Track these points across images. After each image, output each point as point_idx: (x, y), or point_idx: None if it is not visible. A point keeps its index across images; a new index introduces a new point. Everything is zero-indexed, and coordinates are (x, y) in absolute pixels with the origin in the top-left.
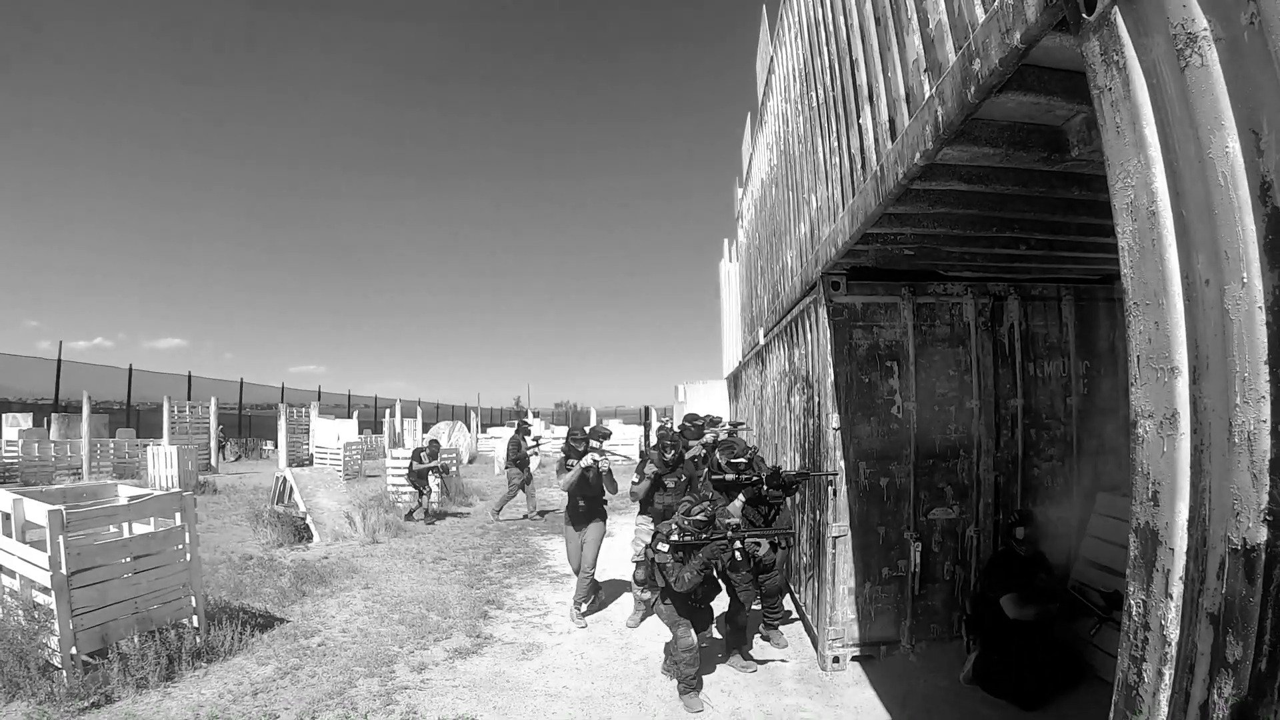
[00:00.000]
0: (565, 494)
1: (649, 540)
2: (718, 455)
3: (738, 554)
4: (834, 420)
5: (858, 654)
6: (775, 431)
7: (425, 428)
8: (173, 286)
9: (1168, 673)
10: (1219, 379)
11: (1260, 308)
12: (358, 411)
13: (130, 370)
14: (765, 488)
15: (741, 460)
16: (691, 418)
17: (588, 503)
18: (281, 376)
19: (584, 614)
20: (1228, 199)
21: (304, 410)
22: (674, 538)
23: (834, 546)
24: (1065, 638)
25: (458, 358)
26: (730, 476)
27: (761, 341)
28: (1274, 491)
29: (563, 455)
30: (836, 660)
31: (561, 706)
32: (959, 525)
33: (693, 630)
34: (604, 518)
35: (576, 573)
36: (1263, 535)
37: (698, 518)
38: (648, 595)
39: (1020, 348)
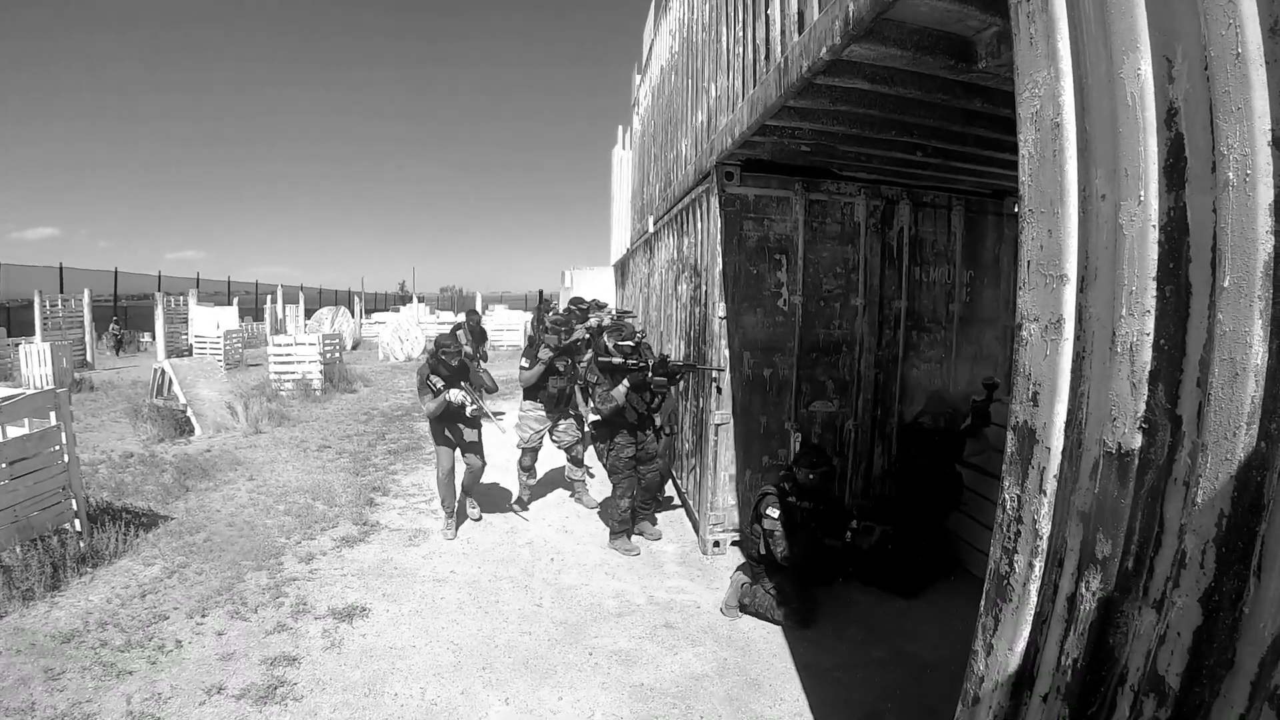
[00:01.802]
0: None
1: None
2: (605, 338)
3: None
4: (720, 309)
5: (737, 539)
6: (661, 319)
7: (308, 314)
8: (42, 173)
9: (1038, 565)
10: (1106, 290)
11: (1154, 226)
12: (238, 298)
13: None
14: (650, 374)
15: (628, 344)
16: (577, 301)
17: (460, 423)
18: (158, 264)
19: (456, 527)
20: (1134, 119)
21: (182, 299)
22: (792, 500)
23: (716, 434)
24: (939, 532)
25: (342, 241)
26: (616, 360)
27: (651, 229)
28: (1151, 401)
29: (426, 369)
30: (717, 545)
31: (450, 591)
32: (838, 419)
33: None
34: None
35: (443, 502)
36: (1138, 441)
37: (824, 469)
38: (533, 481)
39: (908, 252)
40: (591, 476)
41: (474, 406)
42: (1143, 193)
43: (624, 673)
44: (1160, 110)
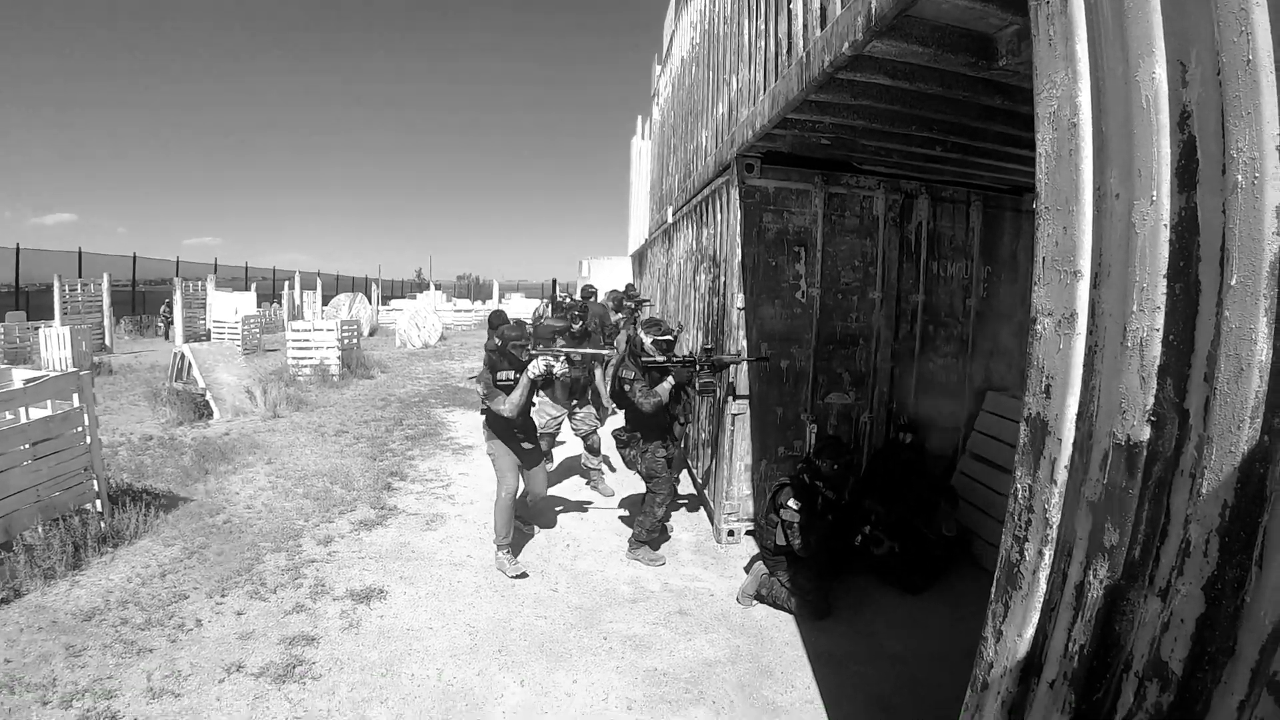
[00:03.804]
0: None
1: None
2: (642, 334)
3: (864, 535)
4: (739, 300)
5: (751, 529)
6: (679, 309)
7: (325, 300)
8: (61, 158)
9: (1048, 553)
10: (1118, 286)
11: (1165, 225)
12: (256, 284)
13: (18, 249)
14: (698, 367)
15: (667, 338)
16: (587, 289)
17: (524, 421)
18: (176, 249)
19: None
20: (1148, 121)
21: (200, 284)
22: (812, 491)
23: (733, 424)
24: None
25: (359, 228)
26: (660, 358)
27: (670, 220)
28: (1160, 395)
29: (488, 373)
30: (731, 534)
31: (466, 575)
32: (854, 411)
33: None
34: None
35: (501, 534)
36: (1146, 434)
37: (845, 460)
38: (551, 467)
39: (926, 246)
40: (612, 470)
41: (562, 364)
42: (1155, 193)
43: (638, 657)
44: (1174, 113)
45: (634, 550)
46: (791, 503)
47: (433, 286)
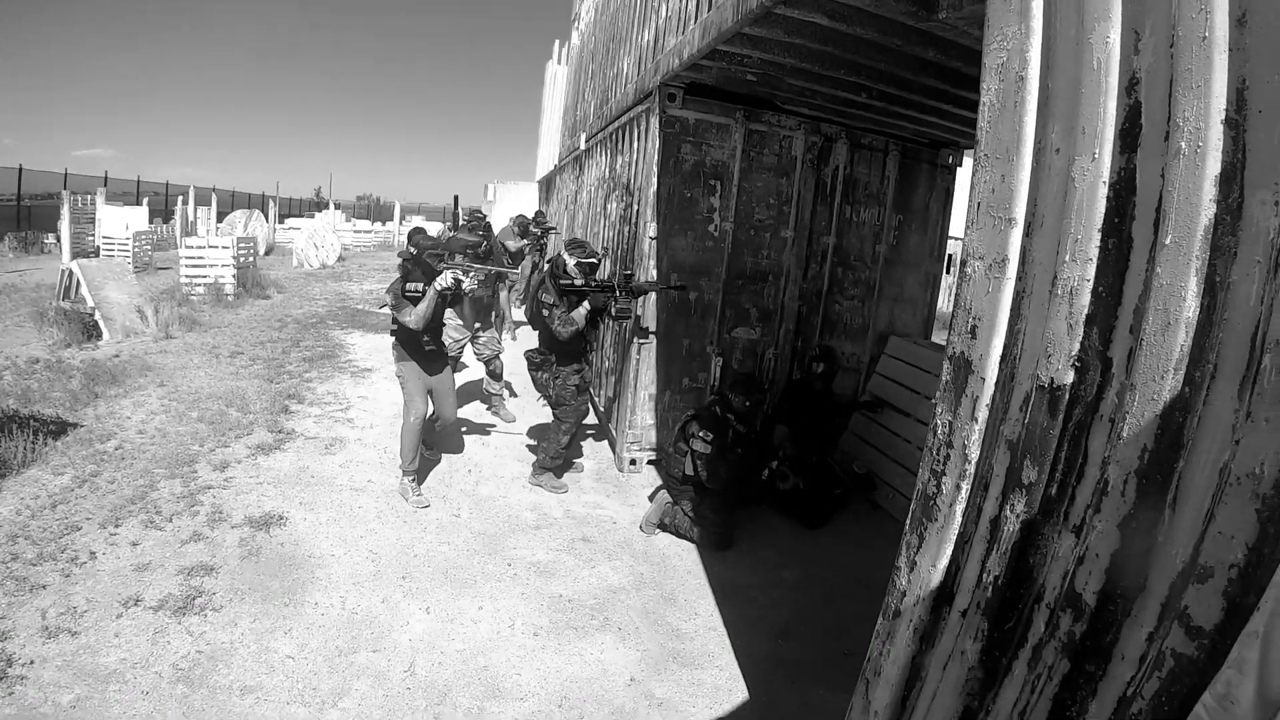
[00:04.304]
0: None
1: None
2: (565, 255)
3: (770, 470)
4: (651, 230)
5: (654, 458)
6: (588, 237)
7: (221, 217)
8: None
9: (965, 487)
10: (1051, 237)
11: (1104, 182)
12: (148, 199)
13: None
14: (618, 293)
15: (592, 260)
16: (474, 213)
17: (435, 339)
18: (65, 161)
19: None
20: (1096, 83)
21: (89, 198)
22: (724, 424)
23: (638, 353)
24: (863, 468)
25: (257, 144)
26: (579, 282)
27: (583, 146)
28: (1086, 342)
29: (399, 283)
30: (633, 463)
31: (367, 500)
32: (759, 346)
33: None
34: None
35: (407, 460)
36: (1069, 378)
37: (757, 398)
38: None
39: (841, 190)
40: (514, 396)
41: (471, 279)
42: (1097, 151)
43: (543, 584)
44: (1123, 77)
45: (537, 476)
46: (703, 434)
47: (332, 206)
